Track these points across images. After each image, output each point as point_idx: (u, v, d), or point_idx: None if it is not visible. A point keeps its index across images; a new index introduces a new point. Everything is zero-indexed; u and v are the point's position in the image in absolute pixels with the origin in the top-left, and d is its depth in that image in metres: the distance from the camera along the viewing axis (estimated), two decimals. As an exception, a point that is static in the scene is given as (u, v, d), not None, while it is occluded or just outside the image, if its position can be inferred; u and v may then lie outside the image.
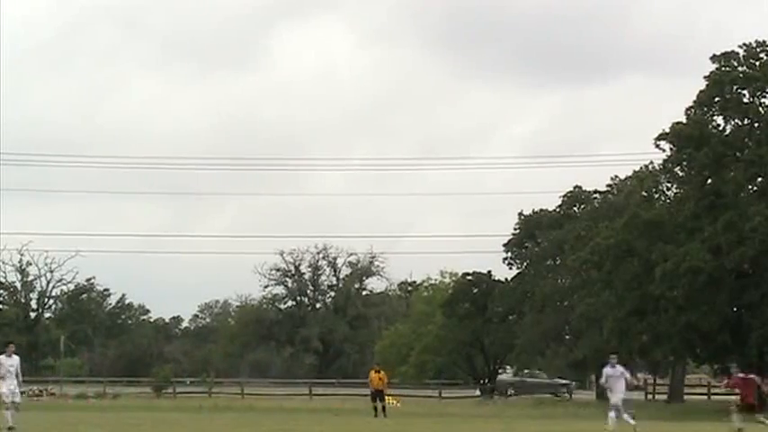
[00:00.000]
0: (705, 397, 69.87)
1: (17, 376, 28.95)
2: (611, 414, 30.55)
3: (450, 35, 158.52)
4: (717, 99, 55.82)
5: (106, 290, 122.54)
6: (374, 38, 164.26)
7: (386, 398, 45.05)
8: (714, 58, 55.74)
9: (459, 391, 79.26)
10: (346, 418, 41.08)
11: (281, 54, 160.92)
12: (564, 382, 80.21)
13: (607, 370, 31.54)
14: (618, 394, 30.96)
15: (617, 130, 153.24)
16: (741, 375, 31.08)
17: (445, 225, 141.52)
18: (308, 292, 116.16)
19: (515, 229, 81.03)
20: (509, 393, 76.33)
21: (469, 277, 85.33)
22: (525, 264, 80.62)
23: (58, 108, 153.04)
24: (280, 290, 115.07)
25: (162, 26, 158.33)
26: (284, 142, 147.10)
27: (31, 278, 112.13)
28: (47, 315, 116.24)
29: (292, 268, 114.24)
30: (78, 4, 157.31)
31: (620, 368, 31.44)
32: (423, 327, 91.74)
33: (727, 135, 56.13)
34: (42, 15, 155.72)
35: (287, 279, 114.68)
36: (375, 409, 44.01)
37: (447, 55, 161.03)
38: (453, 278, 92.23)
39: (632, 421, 30.76)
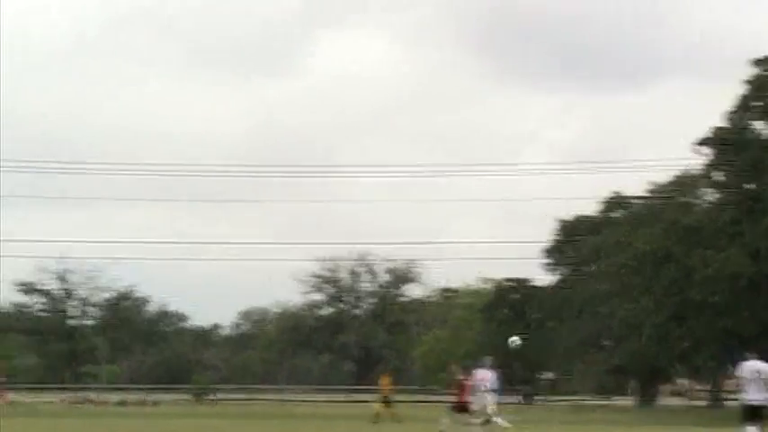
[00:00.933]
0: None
1: None
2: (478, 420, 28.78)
3: (485, 40, 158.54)
4: (757, 103, 55.49)
5: (145, 297, 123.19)
6: (410, 42, 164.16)
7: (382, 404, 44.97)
8: (755, 63, 55.40)
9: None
10: (383, 425, 41.04)
11: (315, 59, 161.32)
12: None
13: (479, 371, 29.64)
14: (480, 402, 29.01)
15: (655, 136, 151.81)
16: (461, 376, 29.32)
17: (481, 231, 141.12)
18: (347, 298, 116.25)
19: (554, 235, 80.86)
20: None
21: (510, 283, 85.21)
22: (566, 270, 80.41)
23: (89, 116, 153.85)
24: (318, 297, 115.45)
25: (195, 32, 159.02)
26: (318, 148, 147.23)
27: (70, 286, 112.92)
28: (86, 322, 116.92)
29: (330, 275, 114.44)
30: (114, 7, 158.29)
31: (490, 372, 29.23)
32: (462, 333, 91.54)
33: (767, 139, 55.76)
34: (75, 17, 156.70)
35: (325, 286, 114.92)
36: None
37: (483, 60, 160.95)
38: (493, 284, 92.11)
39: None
